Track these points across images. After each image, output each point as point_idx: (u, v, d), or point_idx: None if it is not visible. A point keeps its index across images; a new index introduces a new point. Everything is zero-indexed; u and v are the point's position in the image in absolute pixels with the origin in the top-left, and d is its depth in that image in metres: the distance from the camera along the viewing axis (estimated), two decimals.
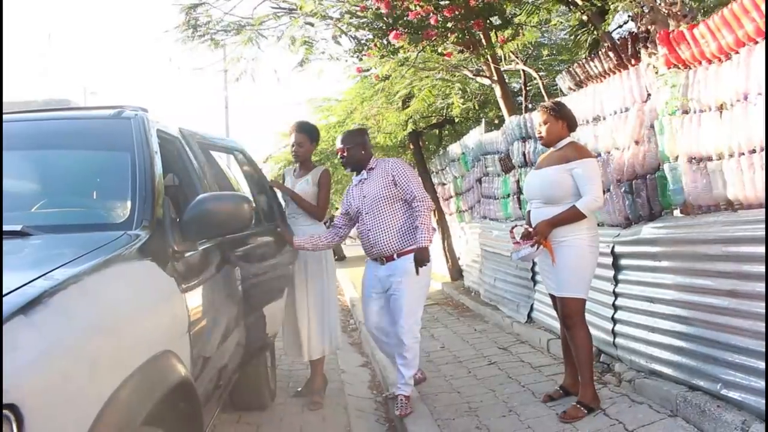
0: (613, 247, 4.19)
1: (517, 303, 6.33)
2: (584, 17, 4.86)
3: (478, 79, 7.32)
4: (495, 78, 6.82)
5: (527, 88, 7.98)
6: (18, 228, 1.91)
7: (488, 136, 7.65)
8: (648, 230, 3.88)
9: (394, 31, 4.97)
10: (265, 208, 4.41)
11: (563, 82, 5.07)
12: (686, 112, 3.59)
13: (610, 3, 4.03)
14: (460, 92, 7.95)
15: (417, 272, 3.81)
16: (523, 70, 7.77)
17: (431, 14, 4.77)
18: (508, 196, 6.99)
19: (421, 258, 3.82)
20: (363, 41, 5.78)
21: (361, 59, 6.13)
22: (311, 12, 5.25)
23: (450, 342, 5.98)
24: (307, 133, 4.59)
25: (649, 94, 4.02)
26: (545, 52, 8.93)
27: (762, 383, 2.82)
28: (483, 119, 8.49)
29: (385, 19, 5.10)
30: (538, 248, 3.52)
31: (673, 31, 3.64)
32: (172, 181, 3.20)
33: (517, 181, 6.62)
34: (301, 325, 4.37)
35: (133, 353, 1.49)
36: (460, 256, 9.76)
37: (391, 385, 4.56)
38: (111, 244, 1.82)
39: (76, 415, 1.19)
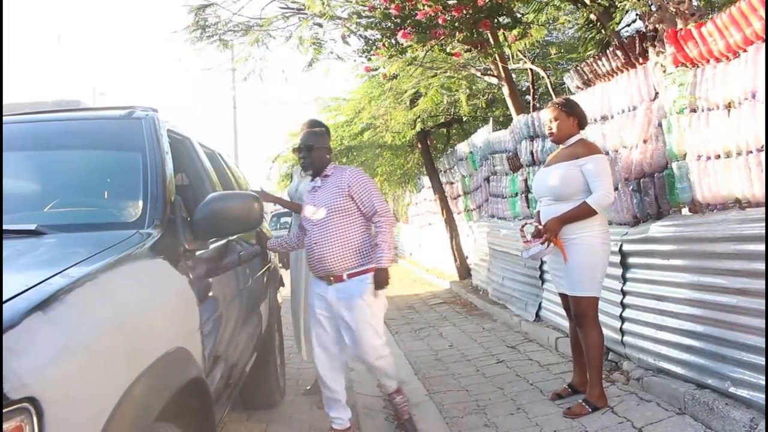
0: (621, 246, 4.19)
1: (526, 301, 6.34)
2: (592, 16, 4.86)
3: (486, 78, 7.33)
4: (503, 77, 6.83)
5: (535, 87, 7.98)
6: (32, 227, 1.94)
7: (496, 135, 7.66)
8: (656, 228, 3.88)
9: (403, 30, 4.98)
10: None
11: (571, 80, 5.07)
12: (694, 110, 3.59)
13: (617, 2, 4.04)
14: (467, 91, 7.94)
15: (375, 295, 3.39)
16: (531, 69, 7.77)
17: (439, 14, 4.78)
18: (516, 194, 7.00)
19: (381, 280, 3.37)
20: (371, 41, 5.80)
21: (369, 59, 6.15)
22: (320, 13, 5.28)
23: (458, 340, 6.00)
24: None
25: (656, 93, 4.02)
26: (553, 51, 8.92)
27: None
28: (491, 118, 8.50)
29: (393, 18, 5.12)
30: (548, 246, 3.51)
31: (681, 29, 3.64)
32: (182, 181, 3.24)
33: (525, 180, 6.63)
34: (300, 324, 4.40)
35: (147, 350, 1.52)
36: (468, 254, 9.77)
37: (399, 381, 4.59)
38: (123, 242, 1.85)
39: (92, 410, 1.21)
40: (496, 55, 6.42)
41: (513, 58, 7.23)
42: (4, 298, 1.19)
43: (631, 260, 4.17)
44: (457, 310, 7.92)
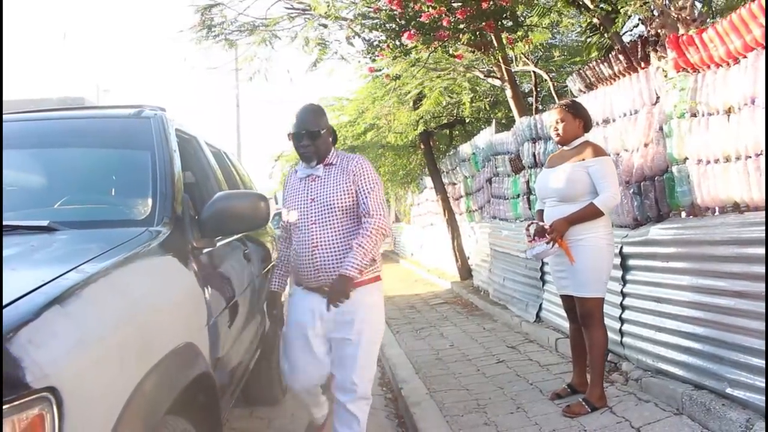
0: (621, 248, 4.23)
1: (526, 302, 6.38)
2: (595, 20, 4.90)
3: (489, 80, 7.38)
4: (506, 79, 6.87)
5: (538, 90, 8.03)
6: (45, 223, 1.99)
7: (499, 136, 7.70)
8: (656, 231, 3.93)
9: (408, 32, 5.03)
10: None
11: (573, 84, 5.12)
12: (694, 115, 3.64)
13: (620, 6, 4.08)
14: (470, 93, 8.00)
15: (327, 309, 2.76)
16: (534, 72, 7.82)
17: (444, 16, 4.83)
18: (518, 196, 7.05)
19: (338, 290, 2.72)
20: (376, 42, 5.85)
21: (374, 60, 6.20)
22: (325, 14, 5.32)
23: (459, 340, 6.04)
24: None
25: (658, 97, 4.07)
26: (556, 54, 8.96)
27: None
28: (493, 120, 8.55)
29: (397, 20, 5.17)
30: (553, 246, 3.54)
31: (683, 35, 3.68)
32: (189, 179, 3.29)
33: (527, 182, 6.67)
34: None
35: (158, 344, 1.56)
36: (470, 255, 9.81)
37: (401, 381, 4.63)
38: (134, 239, 1.90)
39: (107, 401, 1.26)
40: (500, 58, 6.47)
41: (516, 60, 7.28)
42: (23, 292, 1.24)
43: (631, 262, 4.22)
44: (458, 310, 7.97)
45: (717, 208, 3.57)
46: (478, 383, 4.51)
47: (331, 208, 2.84)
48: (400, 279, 12.06)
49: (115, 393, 1.30)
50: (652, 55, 4.04)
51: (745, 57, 3.25)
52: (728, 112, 3.36)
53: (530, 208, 6.64)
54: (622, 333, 4.23)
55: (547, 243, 3.55)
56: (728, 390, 3.12)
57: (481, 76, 7.43)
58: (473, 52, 6.79)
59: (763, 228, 2.99)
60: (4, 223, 1.95)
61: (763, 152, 3.10)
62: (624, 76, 4.43)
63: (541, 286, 6.06)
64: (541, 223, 3.67)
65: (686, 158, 3.72)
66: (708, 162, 3.52)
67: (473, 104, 8.33)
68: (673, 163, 3.87)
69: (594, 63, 4.78)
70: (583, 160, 3.55)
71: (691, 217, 3.83)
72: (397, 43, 5.54)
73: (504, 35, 5.77)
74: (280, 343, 3.15)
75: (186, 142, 3.16)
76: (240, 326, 2.78)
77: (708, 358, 3.34)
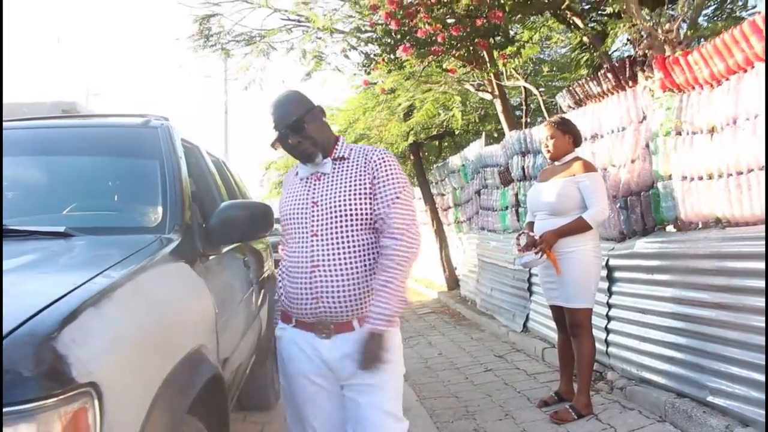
0: (608, 260, 4.37)
1: (513, 312, 6.50)
2: (585, 38, 5.06)
3: (480, 93, 7.53)
4: (496, 93, 7.03)
5: (527, 104, 8.19)
6: (61, 229, 2.07)
7: (488, 149, 7.84)
8: (641, 244, 4.07)
9: (403, 46, 5.16)
10: None
11: (563, 100, 5.26)
12: (680, 133, 3.79)
13: (610, 28, 4.23)
14: (461, 106, 8.15)
15: (368, 365, 2.03)
16: (524, 87, 7.99)
17: (439, 32, 4.97)
18: (507, 208, 7.18)
19: (373, 354, 2.03)
20: (371, 56, 5.98)
21: (369, 73, 6.33)
22: (323, 27, 5.45)
23: (447, 349, 6.14)
24: None
25: (645, 115, 4.22)
26: (545, 69, 9.15)
27: (745, 391, 3.00)
28: (483, 132, 8.69)
29: (393, 35, 5.30)
30: (541, 256, 3.67)
31: (669, 56, 3.84)
32: (192, 187, 3.37)
33: (516, 194, 6.80)
34: None
35: (178, 345, 1.65)
36: (457, 265, 9.93)
37: None
38: (150, 246, 1.98)
39: (138, 396, 1.35)
40: (492, 74, 6.62)
41: (506, 75, 7.44)
42: (58, 296, 1.33)
43: (617, 274, 4.35)
44: (446, 319, 8.07)
45: (700, 223, 3.71)
46: (467, 391, 4.62)
47: (339, 215, 2.08)
48: None
49: (145, 388, 1.38)
50: (640, 74, 4.19)
51: (727, 79, 3.40)
52: (711, 131, 3.51)
53: (519, 220, 6.77)
54: (607, 343, 4.35)
55: (536, 253, 3.67)
56: (709, 398, 3.25)
57: (472, 89, 7.58)
58: (464, 65, 6.93)
59: (744, 242, 3.14)
60: (23, 227, 2.03)
61: (744, 171, 3.24)
62: (612, 94, 4.58)
63: (529, 296, 6.18)
64: (531, 234, 3.80)
65: (671, 175, 3.87)
66: (692, 179, 3.67)
67: (463, 117, 8.47)
68: (658, 179, 4.01)
69: (583, 80, 4.93)
70: (574, 175, 3.68)
71: (675, 231, 3.97)
72: (392, 56, 5.68)
73: (497, 53, 5.92)
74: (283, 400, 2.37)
75: (189, 152, 3.24)
76: (242, 331, 2.87)
77: (690, 367, 3.48)
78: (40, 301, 1.27)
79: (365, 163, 2.15)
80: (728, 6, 5.66)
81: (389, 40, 5.36)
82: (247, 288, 3.21)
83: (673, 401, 3.45)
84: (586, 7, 4.86)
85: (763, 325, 2.94)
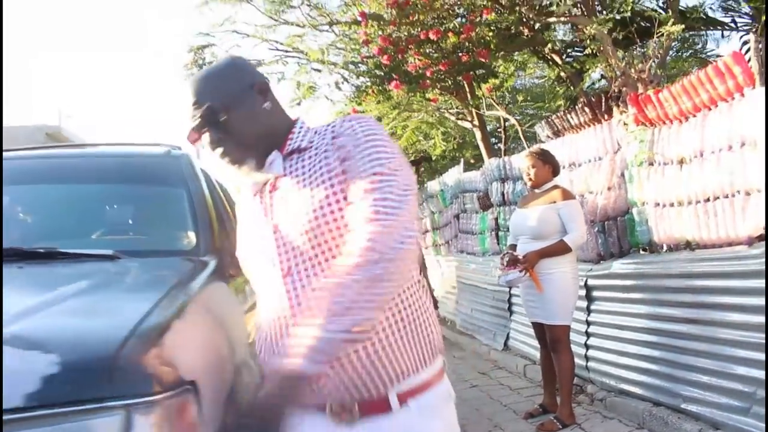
0: (586, 281, 4.67)
1: (494, 332, 6.76)
2: (562, 73, 5.44)
3: (460, 122, 7.89)
4: (476, 123, 7.39)
5: (506, 133, 8.58)
6: (110, 252, 2.27)
7: (467, 175, 8.15)
8: (618, 266, 4.39)
9: (395, 82, 5.49)
10: None
11: (542, 130, 5.62)
12: (652, 164, 4.15)
13: (587, 67, 4.61)
14: (441, 135, 8.51)
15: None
16: (502, 116, 8.38)
17: (428, 66, 5.30)
18: (486, 232, 7.47)
19: (263, 411, 1.20)
20: (362, 87, 6.30)
21: (360, 104, 6.64)
22: (321, 60, 5.76)
23: None
24: None
25: (619, 146, 4.57)
26: (520, 98, 9.57)
27: (716, 397, 3.32)
28: (461, 159, 9.04)
29: (383, 68, 5.62)
30: (525, 274, 3.96)
31: (641, 93, 4.21)
32: None
33: (496, 219, 7.11)
34: None
35: (237, 353, 1.89)
36: (435, 287, 10.18)
37: None
38: (193, 267, 2.20)
39: (219, 394, 1.58)
40: (471, 102, 6.99)
41: (486, 104, 7.81)
42: (146, 311, 1.52)
43: (595, 294, 4.66)
44: None
45: (672, 246, 4.06)
46: (455, 405, 4.83)
47: (310, 238, 1.33)
48: None
49: (222, 387, 1.62)
50: (615, 109, 4.56)
51: (695, 116, 3.78)
52: (681, 162, 3.87)
53: (498, 243, 7.06)
54: (587, 358, 4.64)
55: (520, 271, 3.96)
56: (683, 405, 3.55)
57: (452, 118, 7.94)
58: (442, 94, 7.29)
59: (711, 263, 3.49)
60: (75, 251, 2.23)
61: (711, 198, 3.61)
62: (589, 126, 4.94)
63: (509, 315, 6.44)
64: (515, 254, 4.10)
65: (645, 202, 4.22)
66: (664, 205, 4.02)
67: (443, 143, 8.83)
68: (633, 205, 4.36)
69: (561, 112, 5.29)
70: (554, 202, 3.99)
71: (648, 253, 4.31)
72: (382, 88, 6.00)
73: (484, 86, 6.29)
74: None
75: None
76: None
77: (665, 378, 3.78)
78: (134, 316, 1.47)
79: (332, 142, 1.36)
80: (689, 47, 6.13)
81: (380, 73, 5.68)
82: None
83: (650, 409, 3.74)
84: (564, 47, 5.24)
85: (728, 336, 3.28)
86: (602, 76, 5.16)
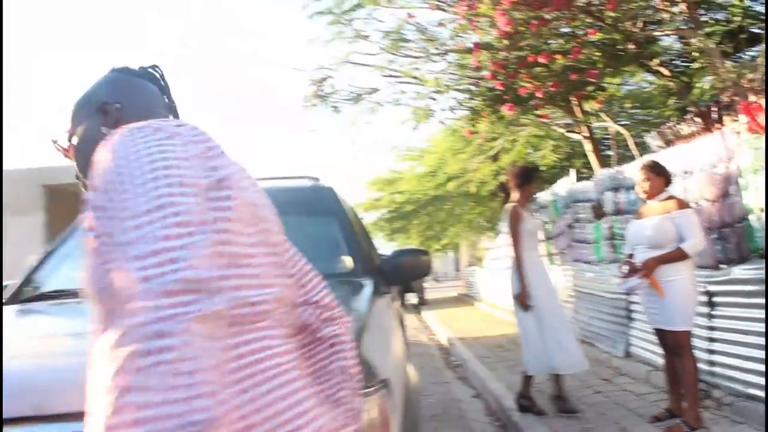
0: (707, 287, 4.76)
1: (614, 339, 6.84)
2: (671, 84, 5.55)
3: (569, 134, 8.06)
4: (587, 135, 7.54)
5: (617, 144, 8.62)
6: None
7: (579, 185, 8.28)
8: (739, 271, 4.46)
9: (510, 105, 5.81)
10: None
11: (653, 140, 5.74)
12: None
13: (695, 81, 4.74)
14: (552, 147, 8.69)
15: None
16: (613, 127, 8.44)
17: (538, 88, 5.58)
18: (601, 240, 7.56)
19: None
20: (475, 110, 6.66)
21: (474, 126, 7.01)
22: (438, 89, 6.18)
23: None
24: None
25: (733, 155, 4.65)
26: (627, 105, 9.56)
27: None
28: (572, 169, 9.16)
29: (495, 91, 5.94)
30: (644, 281, 4.14)
31: (753, 102, 4.30)
32: None
33: (611, 228, 7.20)
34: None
35: (405, 358, 2.31)
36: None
37: (509, 410, 5.22)
38: (360, 287, 2.64)
39: (400, 391, 1.99)
40: (581, 115, 7.17)
41: (595, 115, 7.93)
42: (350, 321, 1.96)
43: (717, 299, 4.73)
44: None
45: None
46: (581, 410, 5.04)
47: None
48: (481, 320, 12.56)
49: (401, 385, 2.04)
50: (726, 118, 4.65)
51: None
52: None
53: (615, 252, 7.15)
54: (712, 363, 4.72)
55: (639, 278, 4.14)
56: None
57: (563, 131, 8.12)
58: (553, 111, 7.50)
59: None
60: None
61: None
62: (700, 135, 5.04)
63: (628, 323, 6.52)
64: (634, 262, 4.28)
65: (762, 208, 4.29)
66: None
67: (553, 154, 9.00)
68: (749, 212, 4.44)
69: (672, 123, 5.40)
70: (669, 212, 4.16)
71: None
72: (494, 109, 6.32)
73: (593, 102, 6.46)
74: None
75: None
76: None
77: None
78: None
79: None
80: None
81: (492, 95, 6.00)
82: (401, 323, 3.84)
83: None
84: (669, 59, 5.35)
85: None
86: (711, 86, 5.23)
